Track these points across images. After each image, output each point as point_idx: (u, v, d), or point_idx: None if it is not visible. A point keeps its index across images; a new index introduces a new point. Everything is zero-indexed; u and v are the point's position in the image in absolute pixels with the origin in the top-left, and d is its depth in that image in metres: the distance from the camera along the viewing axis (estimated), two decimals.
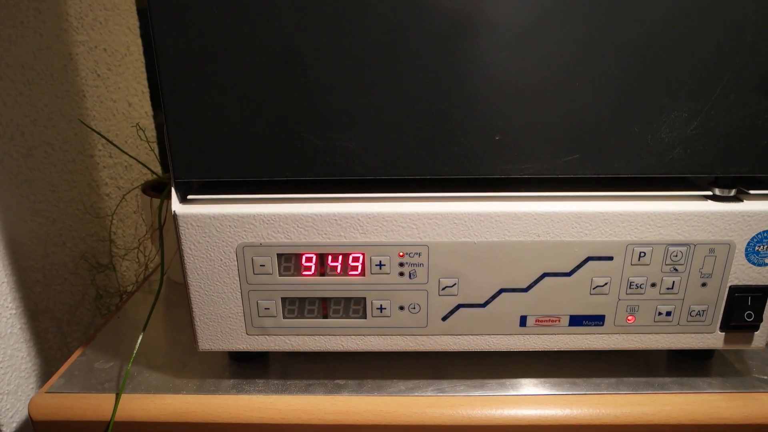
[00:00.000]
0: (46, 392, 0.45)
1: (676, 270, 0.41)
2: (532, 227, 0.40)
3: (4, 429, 0.54)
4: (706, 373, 0.46)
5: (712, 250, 0.40)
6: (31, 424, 0.44)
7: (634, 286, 0.41)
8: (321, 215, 0.40)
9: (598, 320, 0.42)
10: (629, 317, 0.42)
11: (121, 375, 0.47)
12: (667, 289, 0.41)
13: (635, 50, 0.36)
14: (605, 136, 0.38)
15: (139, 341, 0.50)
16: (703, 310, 0.42)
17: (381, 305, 0.42)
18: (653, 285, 0.41)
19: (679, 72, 0.37)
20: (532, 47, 0.36)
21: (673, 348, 0.44)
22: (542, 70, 0.37)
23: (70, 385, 0.46)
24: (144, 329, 0.52)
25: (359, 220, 0.40)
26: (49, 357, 0.60)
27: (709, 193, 0.41)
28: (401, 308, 0.42)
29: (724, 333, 0.43)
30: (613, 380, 0.45)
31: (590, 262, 0.41)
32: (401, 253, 0.41)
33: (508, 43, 0.36)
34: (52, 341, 0.61)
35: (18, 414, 0.55)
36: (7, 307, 0.54)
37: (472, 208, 0.39)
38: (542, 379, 0.45)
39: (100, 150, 0.70)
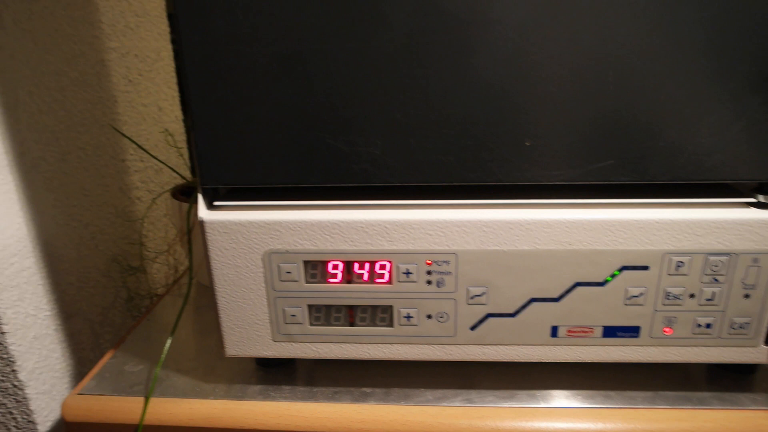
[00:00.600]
0: (78, 394, 0.46)
1: (716, 280, 0.39)
2: (564, 235, 0.39)
3: (39, 428, 0.55)
4: (750, 388, 0.44)
5: (756, 260, 0.38)
6: (64, 424, 0.45)
7: (672, 297, 0.40)
8: (347, 222, 0.39)
9: (633, 332, 0.41)
10: (666, 329, 0.41)
11: (150, 378, 0.47)
12: (707, 300, 0.40)
13: (672, 50, 0.35)
14: (641, 140, 0.37)
15: (167, 345, 0.50)
16: (747, 323, 0.40)
17: (408, 314, 0.41)
18: (692, 296, 0.40)
19: (720, 72, 0.35)
20: (563, 49, 0.35)
21: (714, 362, 0.42)
22: (574, 72, 0.36)
23: (101, 387, 0.47)
24: (172, 333, 0.52)
25: (386, 227, 0.39)
26: (82, 358, 0.62)
27: (753, 200, 0.39)
28: (429, 317, 0.41)
29: None
30: (648, 394, 0.43)
31: (625, 272, 0.39)
32: (429, 261, 0.40)
33: (538, 46, 0.35)
34: (85, 342, 0.62)
35: (52, 413, 0.56)
36: (42, 308, 0.55)
37: (502, 215, 0.38)
38: (574, 391, 0.44)
39: (131, 154, 0.71)
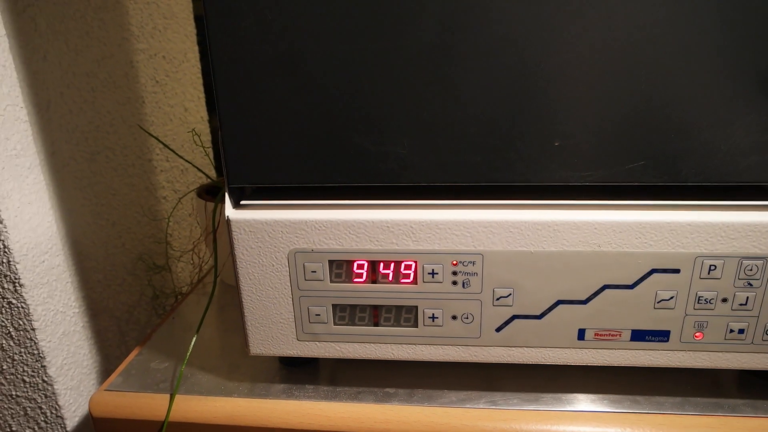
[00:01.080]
0: (105, 390, 0.47)
1: (750, 285, 0.38)
2: (593, 237, 0.38)
3: (66, 423, 0.56)
4: None
5: None
6: (91, 420, 0.45)
7: (703, 301, 0.39)
8: (373, 222, 0.39)
9: (662, 336, 0.40)
10: (697, 334, 0.40)
11: (175, 375, 0.48)
12: (740, 305, 0.39)
13: (707, 48, 0.34)
14: (673, 141, 0.36)
15: (192, 343, 0.51)
16: None
17: (433, 314, 0.41)
18: (724, 300, 0.39)
19: (756, 72, 0.34)
20: (593, 48, 0.35)
21: (746, 368, 0.41)
22: (604, 70, 0.35)
23: (128, 383, 0.47)
24: (197, 331, 0.53)
25: (412, 227, 0.39)
26: (108, 355, 0.63)
27: None
28: (454, 318, 0.41)
29: None
30: (678, 399, 0.42)
31: (655, 275, 0.39)
32: (455, 262, 0.40)
33: (567, 45, 0.35)
34: (111, 339, 0.63)
35: (80, 408, 0.57)
36: (71, 305, 0.56)
37: (530, 216, 0.38)
38: (600, 395, 0.43)
39: (157, 154, 0.72)
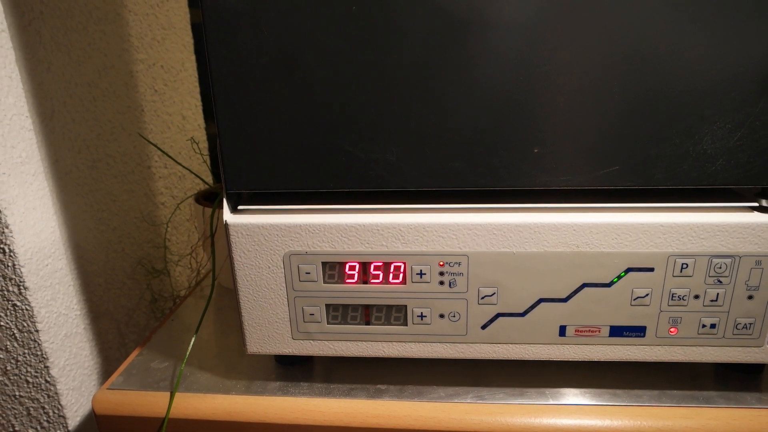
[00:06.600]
0: (107, 389, 0.48)
1: (720, 282, 0.40)
2: (572, 238, 0.40)
3: (69, 422, 0.57)
4: (756, 388, 0.45)
5: (758, 262, 0.40)
6: (95, 417, 0.47)
7: (677, 298, 0.41)
8: (364, 225, 0.41)
9: (639, 331, 0.42)
10: (671, 329, 0.42)
11: (174, 374, 0.49)
12: (711, 301, 0.41)
13: (676, 60, 0.36)
14: (645, 147, 0.39)
15: (191, 343, 0.53)
16: (750, 323, 0.41)
17: (421, 313, 0.43)
18: (696, 297, 0.41)
19: (721, 82, 0.37)
20: (569, 61, 0.37)
21: (718, 361, 0.43)
22: (580, 81, 0.37)
23: (129, 382, 0.49)
24: (196, 332, 0.55)
25: (401, 230, 0.41)
26: (109, 356, 0.64)
27: (755, 204, 0.40)
28: (441, 316, 0.43)
29: None
30: (655, 392, 0.45)
31: (631, 273, 0.41)
32: (441, 263, 0.42)
33: (545, 58, 0.37)
34: (111, 341, 0.65)
35: (81, 408, 0.59)
36: (73, 308, 0.58)
37: (512, 219, 0.40)
38: (582, 389, 0.45)
39: (156, 161, 0.74)
